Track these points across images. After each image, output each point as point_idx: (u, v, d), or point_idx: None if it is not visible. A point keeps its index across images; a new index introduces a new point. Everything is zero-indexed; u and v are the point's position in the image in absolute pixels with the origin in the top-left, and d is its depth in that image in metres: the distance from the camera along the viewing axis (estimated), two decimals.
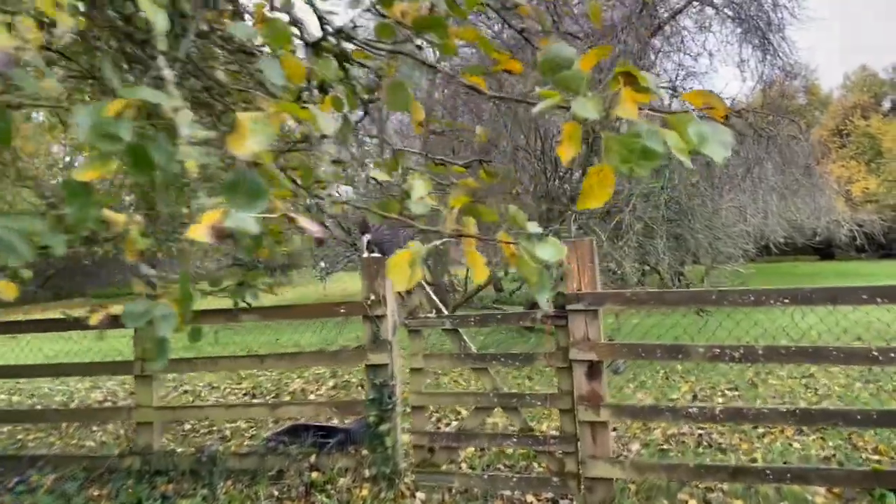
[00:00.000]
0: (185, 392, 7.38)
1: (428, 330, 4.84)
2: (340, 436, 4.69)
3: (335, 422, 5.35)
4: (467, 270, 15.65)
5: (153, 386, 4.96)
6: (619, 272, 8.41)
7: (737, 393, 6.65)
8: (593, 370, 4.14)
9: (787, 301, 3.80)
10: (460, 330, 4.63)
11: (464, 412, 5.54)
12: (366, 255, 4.63)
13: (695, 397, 6.60)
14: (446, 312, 4.65)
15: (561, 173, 10.59)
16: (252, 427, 5.83)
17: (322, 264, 16.39)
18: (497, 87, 10.98)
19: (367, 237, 4.58)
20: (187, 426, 6.10)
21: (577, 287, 4.21)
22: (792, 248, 18.21)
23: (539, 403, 4.39)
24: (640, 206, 8.57)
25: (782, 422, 3.88)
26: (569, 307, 4.19)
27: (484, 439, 4.52)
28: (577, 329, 4.18)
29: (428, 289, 4.70)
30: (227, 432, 5.80)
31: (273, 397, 6.95)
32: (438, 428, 5.57)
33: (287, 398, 6.88)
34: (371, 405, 4.54)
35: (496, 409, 4.91)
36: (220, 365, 4.82)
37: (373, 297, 4.60)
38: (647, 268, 11.79)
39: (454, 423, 5.67)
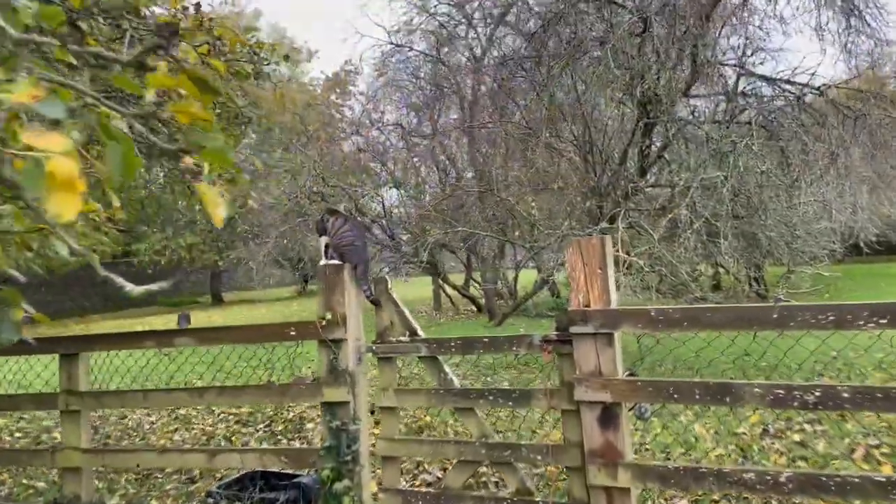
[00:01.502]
0: (128, 429, 6.50)
1: (403, 358, 3.82)
2: (291, 493, 3.71)
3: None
4: (516, 275, 14.54)
5: (81, 423, 4.11)
6: (674, 278, 7.17)
7: (819, 428, 5.33)
8: (608, 416, 3.02)
9: (884, 322, 2.60)
10: (440, 358, 3.59)
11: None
12: (324, 261, 3.63)
13: (765, 431, 5.34)
14: (421, 334, 3.61)
15: (612, 167, 9.37)
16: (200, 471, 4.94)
17: None
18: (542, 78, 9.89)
19: (324, 239, 3.58)
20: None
21: (583, 302, 3.10)
22: (886, 247, 16.22)
23: (539, 458, 3.29)
24: (699, 201, 7.32)
25: (882, 497, 2.65)
26: (573, 329, 3.09)
27: (470, 503, 3.45)
28: (584, 359, 3.07)
29: (401, 304, 3.68)
30: (173, 476, 4.93)
31: (234, 425, 6.08)
32: (415, 484, 4.49)
33: (250, 434, 5.98)
34: (326, 455, 3.54)
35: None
36: (150, 399, 3.94)
37: (329, 316, 3.62)
38: (718, 270, 10.45)
39: (439, 475, 4.59)
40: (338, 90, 27.50)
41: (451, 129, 13.63)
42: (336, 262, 3.70)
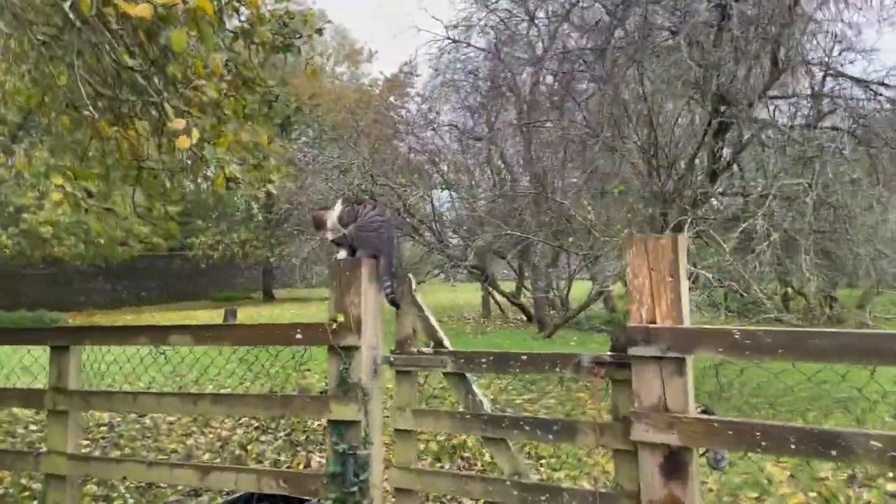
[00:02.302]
0: (144, 428, 6.04)
1: (425, 373, 3.24)
2: None
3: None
4: (569, 285, 13.81)
5: (69, 425, 3.67)
6: (745, 295, 6.41)
7: None
8: (674, 463, 2.38)
9: None
10: (469, 376, 3.00)
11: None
12: (341, 255, 3.10)
13: (851, 478, 4.56)
14: (448, 345, 3.02)
15: (678, 171, 8.62)
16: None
17: (409, 275, 15.02)
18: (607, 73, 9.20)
19: (330, 234, 3.05)
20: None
21: (647, 318, 2.47)
22: None
23: None
24: (778, 211, 6.53)
25: None
26: (633, 351, 2.46)
27: None
28: (646, 389, 2.44)
29: (426, 308, 3.10)
30: (178, 487, 4.45)
31: (254, 432, 5.58)
32: None
33: (268, 443, 5.48)
34: (330, 483, 2.99)
35: None
36: (140, 403, 3.46)
37: (340, 319, 3.07)
38: (788, 290, 9.55)
39: None
40: (396, 92, 27.23)
41: (507, 125, 12.97)
42: (359, 252, 3.16)
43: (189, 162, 4.61)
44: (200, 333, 3.35)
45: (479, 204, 15.13)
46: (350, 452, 2.98)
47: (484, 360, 2.88)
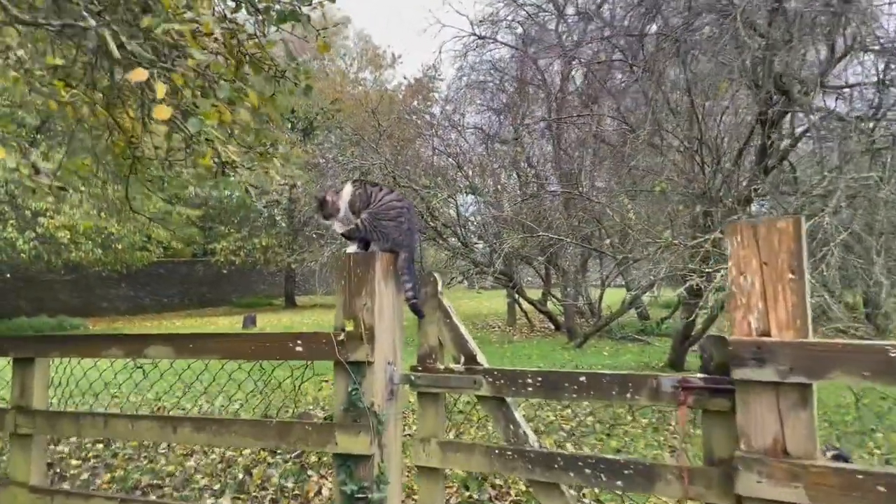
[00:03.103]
0: (142, 446, 5.41)
1: (452, 395, 2.63)
2: None
3: None
4: (602, 291, 13.09)
5: (33, 452, 3.10)
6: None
7: None
8: None
9: None
10: (510, 400, 2.38)
11: None
12: (351, 248, 2.50)
13: None
14: (482, 361, 2.40)
15: (726, 166, 7.92)
16: None
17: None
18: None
19: (338, 225, 2.45)
20: None
21: (759, 328, 1.83)
22: None
23: None
24: (846, 208, 5.83)
25: None
26: (738, 374, 1.82)
27: None
28: (756, 424, 1.79)
29: (454, 315, 2.49)
30: None
31: (262, 452, 4.99)
32: None
33: (276, 465, 4.87)
34: None
35: None
36: (112, 427, 2.89)
37: (349, 328, 2.47)
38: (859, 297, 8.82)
39: None
40: (420, 96, 26.77)
41: (537, 122, 12.35)
42: (374, 245, 2.57)
43: (183, 144, 4.06)
44: (182, 345, 2.76)
45: (505, 207, 14.54)
46: (360, 496, 2.37)
47: (530, 380, 2.25)
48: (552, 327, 16.09)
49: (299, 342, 2.57)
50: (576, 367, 10.08)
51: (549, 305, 16.67)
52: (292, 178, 26.46)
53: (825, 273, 5.51)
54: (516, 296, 16.03)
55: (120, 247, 18.80)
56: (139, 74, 2.34)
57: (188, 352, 2.75)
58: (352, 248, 2.61)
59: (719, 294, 5.77)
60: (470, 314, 20.20)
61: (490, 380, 2.32)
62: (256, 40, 3.98)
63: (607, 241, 9.30)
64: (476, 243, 14.33)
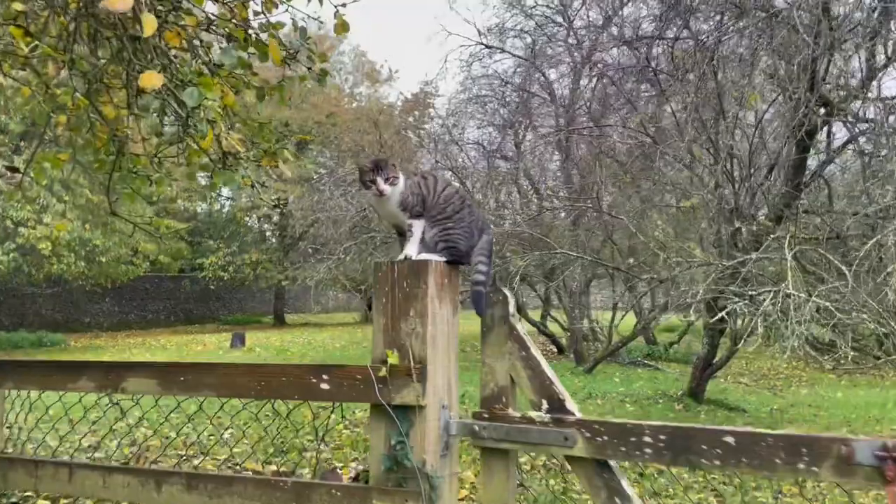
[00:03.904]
0: None
1: (530, 449, 2.01)
2: None
3: None
4: (613, 314, 12.50)
5: None
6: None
7: None
8: None
9: None
10: (613, 464, 1.76)
11: None
12: (412, 251, 1.86)
13: None
14: (573, 409, 1.79)
15: (757, 181, 7.39)
16: None
17: None
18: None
19: (394, 202, 1.82)
20: None
21: None
22: None
23: None
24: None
25: None
26: None
27: None
28: None
29: (530, 343, 1.88)
30: None
31: None
32: None
33: None
34: None
35: None
36: (76, 481, 2.25)
37: (392, 361, 1.86)
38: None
39: None
40: (416, 112, 26.31)
41: (549, 134, 11.82)
42: (432, 255, 1.97)
43: (175, 139, 3.46)
44: (171, 378, 2.14)
45: (519, 222, 14.02)
46: None
47: (649, 439, 1.64)
48: (554, 350, 15.48)
49: (325, 377, 1.95)
50: (589, 394, 9.46)
51: (550, 326, 16.11)
52: (285, 193, 25.95)
53: (890, 297, 4.95)
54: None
55: (104, 260, 18.05)
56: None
57: (179, 386, 2.13)
58: (413, 253, 2.00)
59: (769, 319, 5.19)
60: (466, 336, 19.59)
61: (588, 435, 1.71)
62: (262, 19, 3.40)
63: (630, 261, 8.70)
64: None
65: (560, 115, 12.67)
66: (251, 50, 3.35)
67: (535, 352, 1.86)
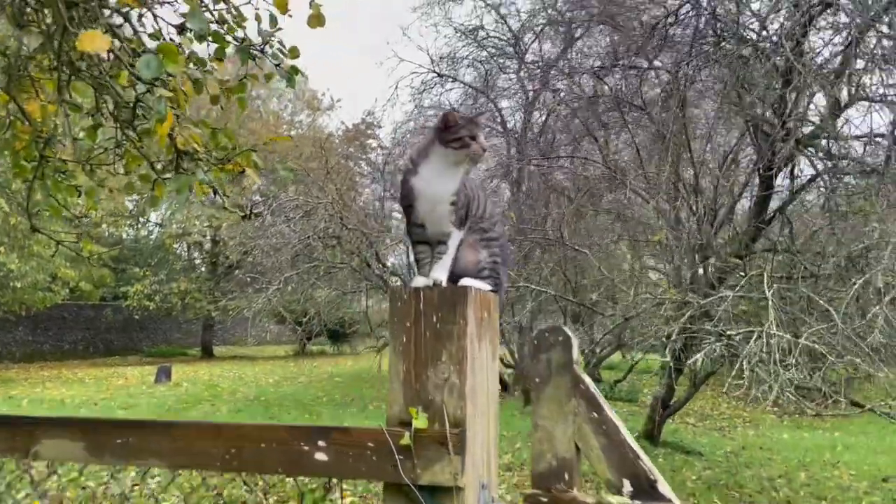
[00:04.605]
0: None
1: None
2: None
3: None
4: (594, 350, 12.17)
5: None
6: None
7: None
8: None
9: None
10: None
11: None
12: (439, 277, 1.36)
13: None
14: (672, 496, 1.34)
15: (717, 215, 7.23)
16: None
17: (386, 334, 13.16)
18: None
19: (450, 211, 1.33)
20: None
21: None
22: None
23: None
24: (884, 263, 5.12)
25: None
26: None
27: None
28: None
29: (606, 407, 1.43)
30: None
31: None
32: None
33: None
34: None
35: None
36: None
37: (418, 424, 1.37)
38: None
39: None
40: (357, 142, 25.85)
41: (503, 164, 11.53)
42: (473, 281, 1.50)
43: (112, 144, 2.89)
44: (103, 439, 1.59)
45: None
46: None
47: None
48: (499, 387, 15.06)
49: (321, 444, 1.44)
50: None
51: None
52: (217, 220, 24.87)
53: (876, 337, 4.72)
54: None
55: (19, 286, 16.72)
56: None
57: (114, 453, 1.57)
58: (420, 280, 1.53)
59: (753, 360, 4.90)
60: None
61: None
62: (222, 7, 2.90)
63: (593, 297, 8.39)
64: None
65: (512, 146, 12.43)
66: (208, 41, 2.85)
67: (611, 413, 1.40)
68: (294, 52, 3.04)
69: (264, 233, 11.24)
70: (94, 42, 1.51)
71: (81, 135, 3.26)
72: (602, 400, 1.42)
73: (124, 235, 29.66)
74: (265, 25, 2.91)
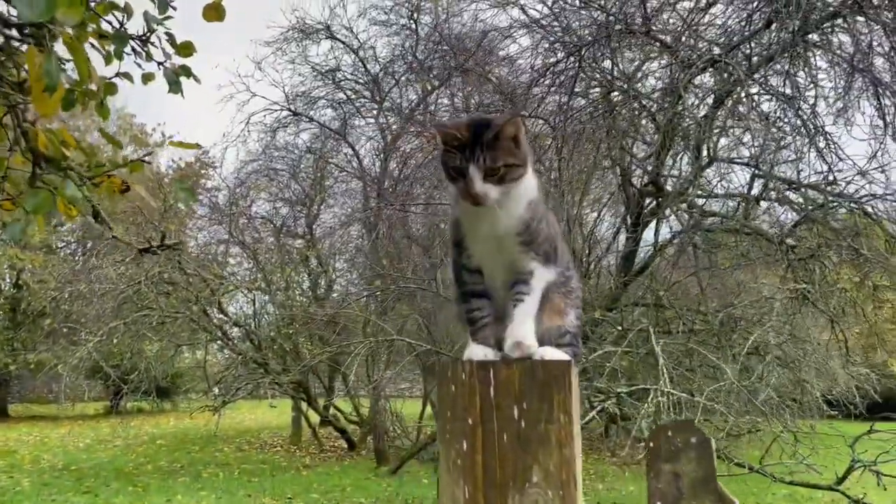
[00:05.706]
0: None
1: None
2: None
3: None
4: (424, 404, 11.66)
5: None
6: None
7: None
8: None
9: None
10: None
11: None
12: (478, 351, 0.79)
13: None
14: None
15: (592, 270, 7.20)
16: None
17: (216, 390, 11.92)
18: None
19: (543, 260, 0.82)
20: None
21: None
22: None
23: None
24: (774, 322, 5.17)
25: None
26: None
27: None
28: None
29: None
30: None
31: None
32: None
33: None
34: None
35: None
36: None
37: None
38: None
39: None
40: (191, 181, 24.26)
41: (355, 211, 11.00)
42: (560, 353, 0.97)
43: None
44: None
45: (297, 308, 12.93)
46: None
47: None
48: (344, 446, 14.15)
49: None
50: (406, 503, 8.40)
51: (341, 419, 14.81)
52: (21, 262, 22.01)
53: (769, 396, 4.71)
54: (306, 407, 13.98)
55: None
56: None
57: None
58: (478, 352, 0.99)
59: (648, 420, 4.70)
60: (243, 430, 17.51)
61: None
62: None
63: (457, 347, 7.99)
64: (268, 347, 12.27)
65: (370, 194, 11.98)
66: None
67: None
68: (187, 49, 2.40)
69: (88, 276, 9.83)
70: None
71: None
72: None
73: None
74: (153, 10, 2.26)
